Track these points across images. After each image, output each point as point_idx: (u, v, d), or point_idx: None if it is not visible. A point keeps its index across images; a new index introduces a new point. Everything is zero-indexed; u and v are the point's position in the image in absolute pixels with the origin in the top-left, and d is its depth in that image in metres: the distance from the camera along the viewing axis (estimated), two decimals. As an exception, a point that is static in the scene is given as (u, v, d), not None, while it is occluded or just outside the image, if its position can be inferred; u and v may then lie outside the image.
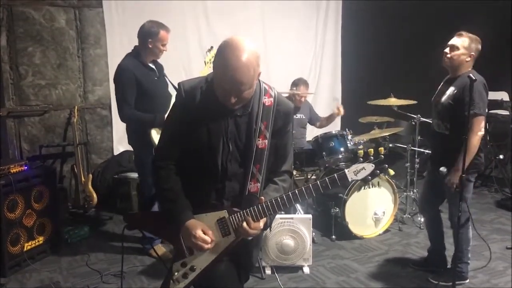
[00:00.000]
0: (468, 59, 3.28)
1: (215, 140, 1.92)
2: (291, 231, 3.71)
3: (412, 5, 6.66)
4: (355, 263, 3.93)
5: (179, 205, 1.94)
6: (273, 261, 3.73)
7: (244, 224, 1.90)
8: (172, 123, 1.99)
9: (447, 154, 3.31)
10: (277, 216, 3.85)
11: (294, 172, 5.20)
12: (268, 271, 3.73)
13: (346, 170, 1.84)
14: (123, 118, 3.76)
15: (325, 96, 6.95)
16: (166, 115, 2.19)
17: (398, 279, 3.66)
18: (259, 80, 1.96)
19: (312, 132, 5.62)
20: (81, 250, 4.19)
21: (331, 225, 4.38)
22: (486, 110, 3.25)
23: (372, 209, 4.45)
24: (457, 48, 3.29)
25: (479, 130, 3.18)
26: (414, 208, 4.97)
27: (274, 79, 6.06)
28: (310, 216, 3.81)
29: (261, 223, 1.93)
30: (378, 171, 1.80)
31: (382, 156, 1.82)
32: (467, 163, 3.12)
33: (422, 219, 4.70)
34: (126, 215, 2.16)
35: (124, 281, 3.60)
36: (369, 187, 4.42)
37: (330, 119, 5.35)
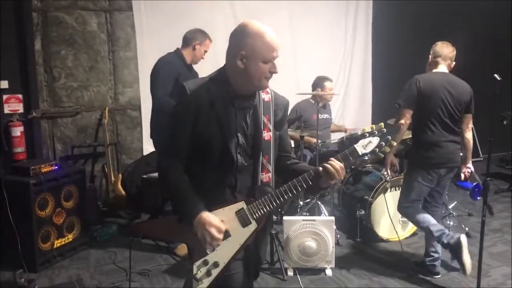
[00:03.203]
0: (428, 63, 3.65)
1: (226, 133, 1.97)
2: (313, 233, 3.69)
3: (443, 5, 6.57)
4: (379, 267, 3.87)
5: (190, 200, 1.95)
6: (295, 263, 3.73)
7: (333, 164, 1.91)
8: (179, 122, 2.01)
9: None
10: (299, 217, 3.85)
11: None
12: (290, 273, 3.73)
13: (355, 145, 1.95)
14: (157, 101, 3.87)
15: (355, 97, 6.87)
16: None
17: (422, 283, 3.59)
18: None
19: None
20: (109, 248, 4.29)
21: (356, 228, 4.34)
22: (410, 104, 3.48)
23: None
24: None
25: (398, 120, 3.50)
26: (443, 211, 4.84)
27: (303, 81, 6.05)
28: (332, 218, 3.79)
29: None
30: (383, 143, 1.92)
31: (385, 130, 1.92)
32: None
33: (451, 223, 4.62)
34: (129, 226, 2.21)
35: (148, 280, 3.68)
36: (395, 190, 4.35)
37: (339, 129, 5.71)
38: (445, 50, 3.55)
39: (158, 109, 3.89)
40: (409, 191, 3.63)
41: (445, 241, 3.44)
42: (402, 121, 3.44)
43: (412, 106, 3.46)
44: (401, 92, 3.52)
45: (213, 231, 1.88)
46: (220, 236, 1.91)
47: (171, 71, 3.83)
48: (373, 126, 1.93)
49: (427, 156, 3.50)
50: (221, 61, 2.06)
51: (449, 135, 3.50)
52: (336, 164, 1.92)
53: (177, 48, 4.06)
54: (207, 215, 1.91)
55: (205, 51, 4.09)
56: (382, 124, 1.93)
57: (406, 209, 3.71)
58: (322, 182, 1.96)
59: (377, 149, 1.93)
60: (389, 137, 1.92)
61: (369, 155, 1.95)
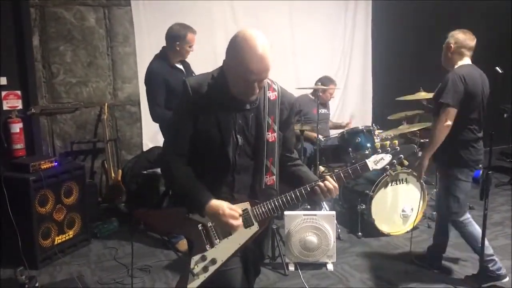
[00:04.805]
0: (449, 53, 3.34)
1: (224, 134, 1.94)
2: (315, 227, 3.68)
3: (442, 3, 6.58)
4: (380, 261, 3.87)
5: (196, 189, 1.95)
6: (296, 258, 3.72)
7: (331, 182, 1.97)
8: (180, 120, 1.99)
9: None
10: (300, 212, 3.84)
11: (322, 168, 5.17)
12: (291, 268, 3.72)
13: (367, 160, 2.01)
14: (155, 119, 3.87)
15: (354, 94, 6.85)
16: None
17: (424, 277, 3.58)
18: None
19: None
20: (109, 244, 4.29)
21: (357, 222, 4.33)
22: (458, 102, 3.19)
23: (400, 206, 4.36)
24: (443, 49, 3.40)
25: (445, 120, 3.18)
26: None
27: (302, 78, 6.04)
28: (333, 212, 3.78)
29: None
30: (394, 161, 1.99)
31: (398, 148, 2.00)
32: (430, 152, 3.29)
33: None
34: (135, 212, 2.20)
35: (149, 276, 3.67)
36: (396, 184, 4.34)
37: (337, 126, 5.71)
38: (469, 40, 3.29)
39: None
40: (456, 192, 3.32)
41: (490, 268, 3.30)
42: (450, 122, 3.16)
43: (458, 104, 3.17)
44: (446, 90, 3.16)
45: (230, 221, 1.91)
46: (239, 222, 1.93)
47: (158, 81, 3.78)
48: (387, 142, 1.98)
49: (469, 153, 3.26)
50: (219, 59, 2.01)
51: (480, 132, 3.34)
52: (329, 184, 1.95)
53: (162, 48, 3.96)
54: (218, 203, 1.92)
55: (190, 46, 3.91)
56: (396, 141, 2.01)
57: (457, 215, 3.40)
58: (316, 197, 2.00)
59: (388, 167, 1.99)
60: (402, 155, 1.98)
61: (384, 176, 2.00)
